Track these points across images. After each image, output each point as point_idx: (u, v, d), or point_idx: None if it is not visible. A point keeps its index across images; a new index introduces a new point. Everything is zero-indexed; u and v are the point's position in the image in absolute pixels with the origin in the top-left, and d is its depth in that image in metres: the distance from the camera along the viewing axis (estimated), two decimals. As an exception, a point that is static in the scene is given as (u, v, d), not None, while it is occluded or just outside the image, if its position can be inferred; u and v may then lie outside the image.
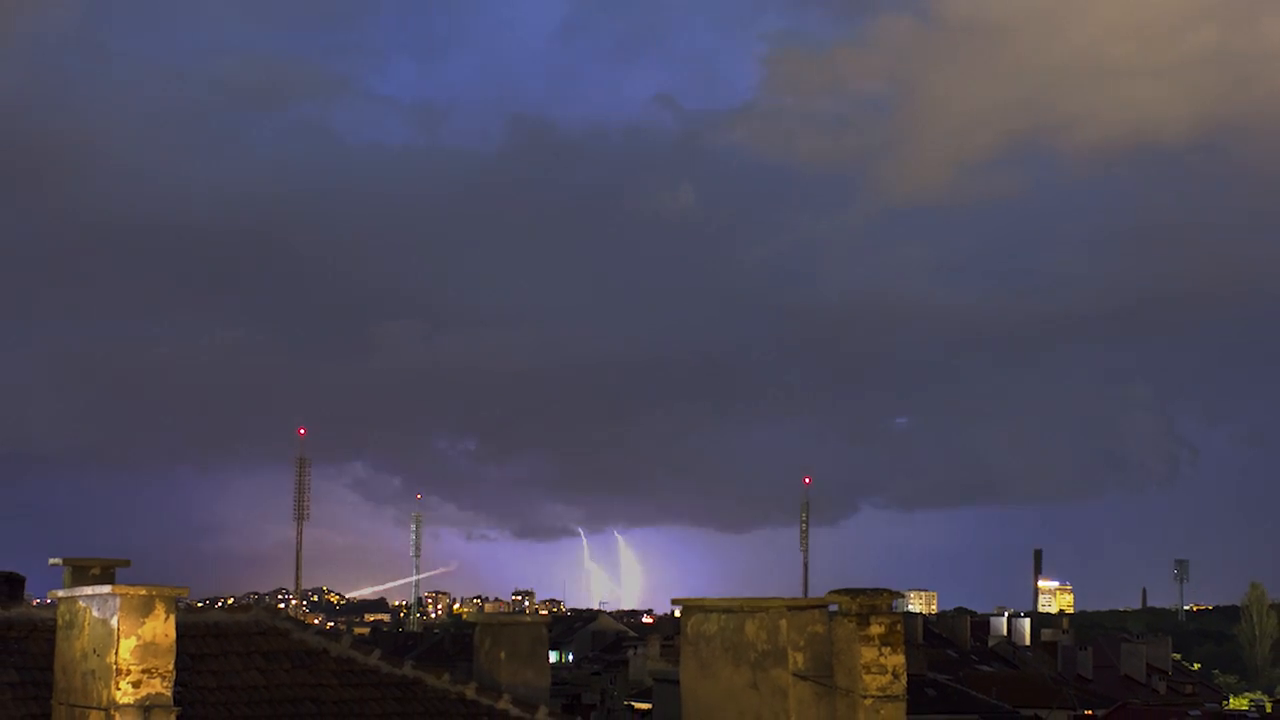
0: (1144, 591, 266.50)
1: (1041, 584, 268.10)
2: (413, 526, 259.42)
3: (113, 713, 15.15)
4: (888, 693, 17.18)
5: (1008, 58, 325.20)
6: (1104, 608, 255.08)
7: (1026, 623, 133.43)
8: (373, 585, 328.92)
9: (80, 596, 15.97)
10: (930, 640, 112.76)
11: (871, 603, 17.35)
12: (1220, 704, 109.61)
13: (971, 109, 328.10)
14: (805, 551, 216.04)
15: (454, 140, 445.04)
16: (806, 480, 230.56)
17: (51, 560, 20.09)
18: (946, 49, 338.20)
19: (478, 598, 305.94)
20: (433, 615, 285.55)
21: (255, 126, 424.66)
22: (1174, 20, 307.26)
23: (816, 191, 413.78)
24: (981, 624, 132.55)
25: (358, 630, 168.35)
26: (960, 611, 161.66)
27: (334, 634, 20.42)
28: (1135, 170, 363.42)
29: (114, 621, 15.23)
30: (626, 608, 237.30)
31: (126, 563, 20.13)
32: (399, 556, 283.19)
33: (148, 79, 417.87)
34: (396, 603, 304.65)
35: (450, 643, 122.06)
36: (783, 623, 17.34)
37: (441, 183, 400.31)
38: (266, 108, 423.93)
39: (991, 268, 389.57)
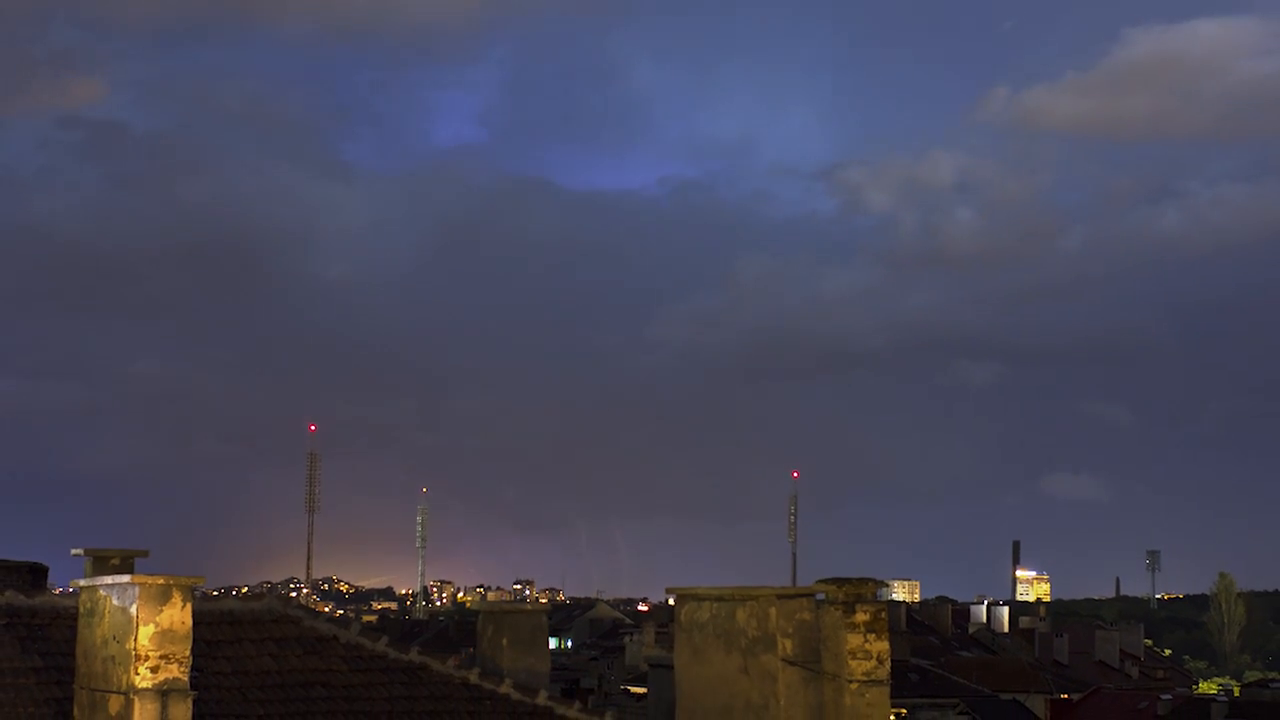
0: (1117, 581, 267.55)
1: (1019, 574, 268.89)
2: (419, 519, 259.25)
3: (132, 697, 15.59)
4: (872, 677, 17.69)
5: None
6: (1079, 596, 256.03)
7: (1005, 611, 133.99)
8: (380, 575, 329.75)
9: (101, 585, 16.39)
10: (913, 627, 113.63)
11: (857, 591, 17.81)
12: (1190, 688, 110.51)
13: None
14: (793, 542, 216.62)
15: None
16: (795, 474, 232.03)
17: (73, 551, 20.33)
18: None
19: (481, 586, 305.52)
20: (438, 603, 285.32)
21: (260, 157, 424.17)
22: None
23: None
24: (962, 612, 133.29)
25: (366, 618, 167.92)
26: (941, 600, 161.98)
27: (343, 621, 20.66)
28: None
29: (133, 609, 15.67)
30: (623, 596, 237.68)
31: (145, 553, 20.45)
32: (405, 547, 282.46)
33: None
34: (403, 591, 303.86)
35: (454, 630, 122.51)
36: (772, 610, 17.74)
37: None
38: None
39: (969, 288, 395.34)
